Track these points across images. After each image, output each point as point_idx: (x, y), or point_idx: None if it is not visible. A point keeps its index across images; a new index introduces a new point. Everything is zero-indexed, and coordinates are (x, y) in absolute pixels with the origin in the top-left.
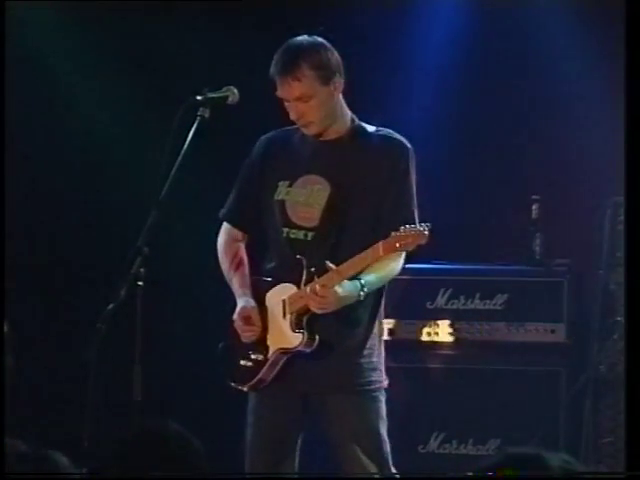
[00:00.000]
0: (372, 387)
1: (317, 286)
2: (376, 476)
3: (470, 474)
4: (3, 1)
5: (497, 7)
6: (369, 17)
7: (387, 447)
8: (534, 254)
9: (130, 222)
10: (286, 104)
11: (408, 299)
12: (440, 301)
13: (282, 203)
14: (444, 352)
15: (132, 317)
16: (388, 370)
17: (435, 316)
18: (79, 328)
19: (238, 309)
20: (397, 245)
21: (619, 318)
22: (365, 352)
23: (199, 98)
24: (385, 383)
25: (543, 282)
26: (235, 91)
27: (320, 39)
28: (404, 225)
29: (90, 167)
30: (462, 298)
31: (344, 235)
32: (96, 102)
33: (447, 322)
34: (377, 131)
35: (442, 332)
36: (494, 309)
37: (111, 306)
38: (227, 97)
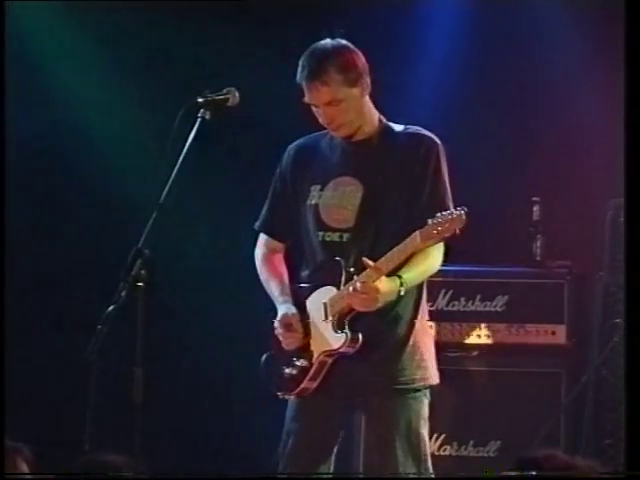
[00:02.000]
0: (415, 385)
1: (357, 284)
2: (378, 476)
3: (470, 475)
4: (3, 1)
5: (499, 8)
6: (368, 18)
7: (426, 447)
8: (535, 256)
9: (131, 224)
10: (315, 109)
11: None
12: (441, 302)
13: (315, 207)
14: (445, 354)
15: (133, 319)
16: None
17: (436, 318)
18: (80, 330)
19: (279, 317)
20: (434, 232)
21: (620, 320)
22: (408, 349)
23: (200, 100)
24: (433, 381)
25: (544, 284)
26: (236, 93)
27: (344, 42)
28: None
29: (91, 169)
30: (463, 300)
31: (380, 234)
32: (97, 104)
33: (448, 324)
34: (405, 129)
35: (443, 334)
36: (495, 311)
37: (112, 308)
38: (228, 99)
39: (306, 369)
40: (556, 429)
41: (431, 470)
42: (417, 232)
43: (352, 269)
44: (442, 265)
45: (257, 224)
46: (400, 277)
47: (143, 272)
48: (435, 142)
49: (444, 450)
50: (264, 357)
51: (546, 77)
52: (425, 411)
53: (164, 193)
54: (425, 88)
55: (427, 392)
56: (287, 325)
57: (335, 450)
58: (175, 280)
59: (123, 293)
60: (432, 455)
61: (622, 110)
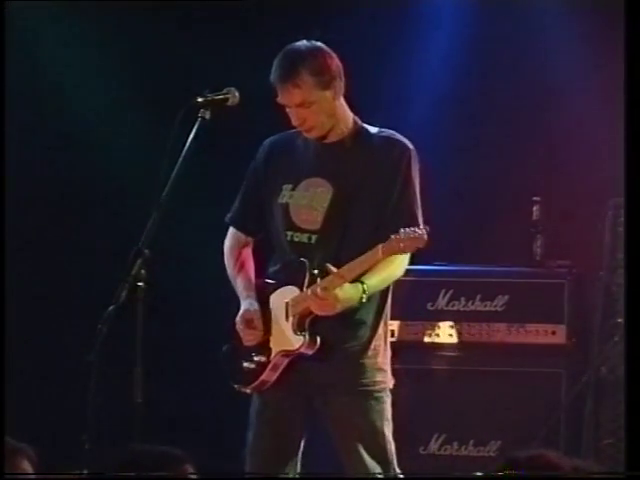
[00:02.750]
0: (376, 388)
1: (318, 289)
2: (378, 476)
3: (470, 475)
4: (3, 1)
5: (498, 8)
6: (368, 18)
7: (392, 448)
8: (535, 255)
9: (131, 223)
10: (287, 110)
11: (409, 300)
12: (441, 302)
13: (286, 206)
14: (445, 353)
15: (133, 318)
16: (391, 371)
17: (436, 317)
18: (80, 329)
19: (241, 312)
20: (396, 248)
21: (620, 320)
22: (369, 353)
23: (200, 100)
24: (390, 384)
25: (544, 283)
26: (236, 93)
27: (319, 44)
28: (406, 227)
29: (91, 168)
30: (463, 299)
31: (347, 237)
32: (96, 103)
33: (448, 323)
34: (379, 132)
35: (443, 333)
36: (495, 310)
37: (112, 307)
38: (227, 99)
39: (264, 365)
40: (556, 429)
41: (398, 470)
42: (379, 246)
43: (316, 271)
44: (442, 265)
45: (228, 217)
46: (363, 283)
47: (143, 272)
48: (407, 147)
49: (444, 450)
50: (224, 348)
51: (546, 77)
52: (388, 412)
53: (164, 193)
54: (425, 88)
55: (389, 393)
56: (248, 321)
57: (300, 448)
58: (175, 280)
59: (123, 293)
60: (432, 455)
61: (622, 110)
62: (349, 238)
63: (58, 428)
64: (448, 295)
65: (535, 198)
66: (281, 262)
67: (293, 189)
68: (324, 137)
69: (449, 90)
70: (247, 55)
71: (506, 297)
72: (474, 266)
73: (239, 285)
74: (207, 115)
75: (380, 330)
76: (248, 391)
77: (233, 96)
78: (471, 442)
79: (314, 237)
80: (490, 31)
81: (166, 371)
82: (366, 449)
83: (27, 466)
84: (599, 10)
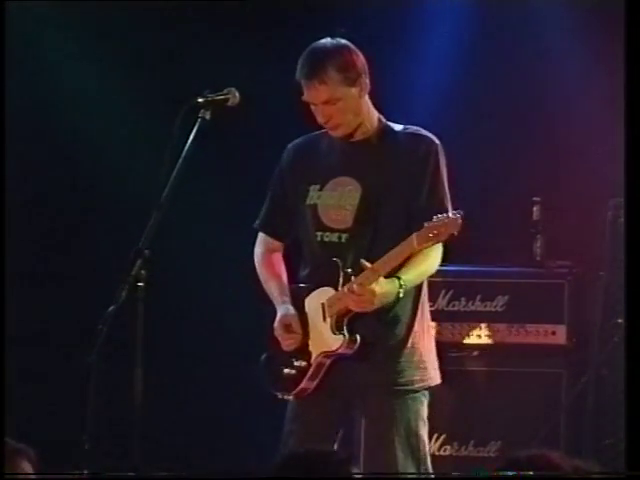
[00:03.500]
0: (414, 387)
1: (354, 285)
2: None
3: (470, 475)
4: (3, 1)
5: (500, 9)
6: (371, 17)
7: (425, 448)
8: (535, 256)
9: (131, 224)
10: (313, 107)
11: None
12: (441, 303)
13: (314, 207)
14: (445, 354)
15: (133, 319)
16: None
17: (436, 318)
18: (80, 330)
19: (278, 317)
20: (430, 235)
21: (620, 320)
22: (407, 351)
23: (200, 100)
24: (430, 381)
25: (544, 284)
26: (236, 93)
27: (344, 41)
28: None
29: (91, 169)
30: (463, 300)
31: (378, 235)
32: (97, 103)
33: (448, 324)
34: (405, 129)
35: (443, 334)
36: (495, 311)
37: (112, 308)
38: (228, 99)
39: (304, 369)
40: (556, 429)
41: (431, 471)
42: (414, 235)
43: (349, 270)
44: (442, 265)
45: (256, 223)
46: (399, 278)
47: (143, 272)
48: (434, 142)
49: (444, 450)
50: (263, 357)
51: (547, 77)
52: (424, 412)
53: (164, 193)
54: (425, 89)
55: (426, 393)
56: (286, 326)
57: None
58: (175, 280)
59: (123, 293)
60: (432, 455)
61: (622, 110)
62: (380, 235)
63: (58, 429)
64: (448, 295)
65: (535, 198)
66: (312, 264)
67: (320, 189)
68: (350, 136)
69: (450, 91)
70: (247, 56)
71: (506, 297)
72: (474, 266)
73: (273, 290)
74: (207, 115)
75: (417, 327)
76: (290, 398)
77: (233, 96)
78: (471, 442)
79: (344, 236)
80: (491, 31)
81: (166, 372)
82: (400, 449)
83: (27, 466)
84: (600, 11)
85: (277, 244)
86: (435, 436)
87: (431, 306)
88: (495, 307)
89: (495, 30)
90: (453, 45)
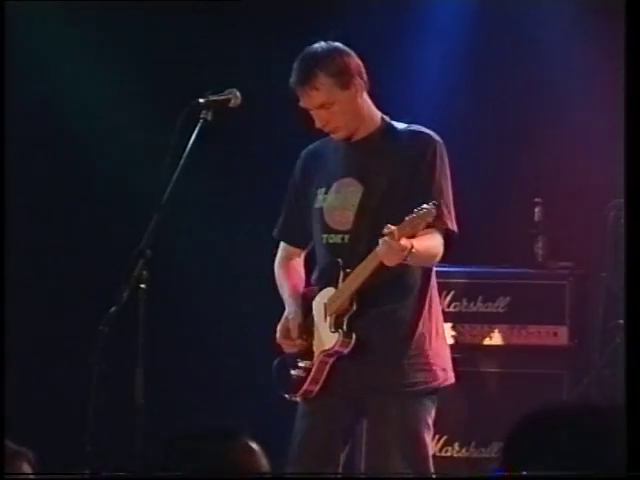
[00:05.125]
0: (416, 389)
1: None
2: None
3: (470, 475)
4: (3, 1)
5: (500, 9)
6: (373, 17)
7: (427, 452)
8: (536, 257)
9: (132, 225)
10: (311, 112)
11: None
12: (442, 304)
13: (320, 210)
14: None
15: (134, 320)
16: None
17: None
18: (82, 331)
19: (283, 320)
20: (408, 228)
21: (621, 321)
22: (411, 352)
23: (202, 101)
24: (437, 384)
25: (545, 285)
26: (237, 94)
27: (336, 44)
28: (438, 218)
29: (92, 169)
30: (464, 301)
31: (378, 234)
32: (98, 105)
33: (449, 325)
34: (407, 127)
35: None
36: (496, 312)
37: (113, 309)
38: (229, 100)
39: (308, 370)
40: None
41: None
42: (395, 228)
43: (349, 270)
44: (443, 266)
45: (275, 232)
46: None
47: (145, 273)
48: (433, 138)
49: (446, 451)
50: (276, 361)
51: (547, 77)
52: (427, 415)
53: (166, 194)
54: (426, 89)
55: (433, 397)
56: (285, 331)
57: (345, 451)
58: (176, 281)
59: (125, 294)
60: (434, 456)
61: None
62: (379, 235)
63: (59, 429)
64: (449, 296)
65: (537, 199)
66: (320, 266)
67: (326, 192)
68: (351, 137)
69: (450, 92)
70: (249, 57)
71: (507, 298)
72: (475, 267)
73: (284, 293)
74: (209, 116)
75: (422, 328)
76: (298, 399)
77: (235, 97)
78: (472, 443)
79: (346, 237)
80: (491, 32)
81: (167, 372)
82: (401, 452)
83: (27, 470)
84: (601, 12)
85: (296, 250)
86: (437, 437)
87: None
88: (496, 308)
89: (496, 31)
90: (455, 47)
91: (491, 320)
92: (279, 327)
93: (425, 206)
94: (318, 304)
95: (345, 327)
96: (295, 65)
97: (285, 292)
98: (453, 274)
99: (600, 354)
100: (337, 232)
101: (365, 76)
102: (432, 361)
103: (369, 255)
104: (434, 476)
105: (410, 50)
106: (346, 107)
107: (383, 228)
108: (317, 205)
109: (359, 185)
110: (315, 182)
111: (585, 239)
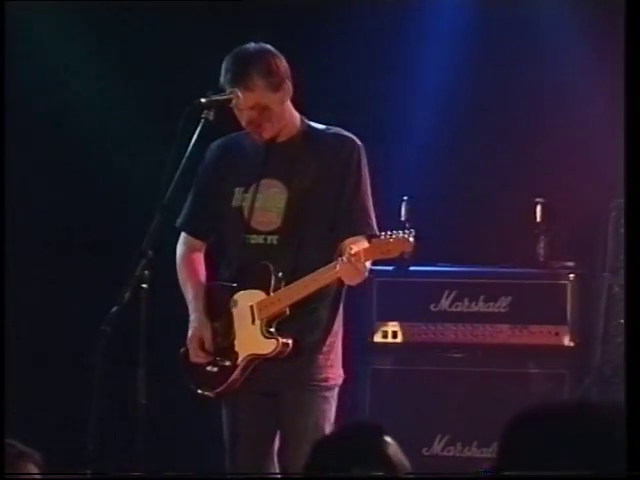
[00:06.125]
0: (328, 384)
1: (351, 257)
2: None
3: (470, 475)
4: (3, 1)
5: (501, 9)
6: (370, 19)
7: None
8: (538, 256)
9: (134, 224)
10: (237, 112)
11: (412, 302)
12: (444, 304)
13: (240, 209)
14: (448, 355)
15: (136, 320)
16: (394, 372)
17: (439, 319)
18: (84, 331)
19: (193, 329)
20: (380, 253)
21: (623, 320)
22: (324, 349)
23: (203, 100)
24: (339, 380)
25: (547, 284)
26: (239, 93)
27: (267, 46)
28: (360, 222)
29: (94, 169)
30: (466, 301)
31: (306, 237)
32: (100, 104)
33: (451, 324)
34: (327, 129)
35: (446, 335)
36: (498, 312)
37: (115, 309)
38: (231, 99)
39: (229, 369)
40: None
41: None
42: (361, 250)
43: (281, 274)
44: (446, 266)
45: (178, 222)
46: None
47: (146, 273)
48: (356, 143)
49: (448, 451)
50: (182, 351)
51: (550, 78)
52: (332, 412)
53: (168, 194)
54: (429, 90)
55: (335, 393)
56: (201, 342)
57: (275, 445)
58: (178, 281)
59: (126, 294)
60: (436, 456)
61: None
62: (308, 236)
63: (61, 429)
64: (451, 296)
65: (538, 199)
66: (237, 265)
67: (246, 191)
68: (274, 138)
69: (453, 92)
70: None
71: (509, 298)
72: (477, 267)
73: (189, 292)
74: (211, 116)
75: (335, 327)
76: (212, 395)
77: (237, 97)
78: (474, 443)
79: (270, 238)
80: (493, 31)
81: (169, 372)
82: (309, 443)
83: (34, 471)
84: (601, 12)
85: (199, 243)
86: (439, 437)
87: (434, 307)
88: (498, 308)
89: (499, 31)
90: (453, 46)
91: (493, 320)
92: (194, 335)
93: (401, 235)
94: (242, 304)
95: (277, 332)
96: (226, 64)
97: (188, 292)
98: (455, 274)
99: (601, 354)
100: (259, 233)
101: (291, 80)
102: (338, 358)
103: (323, 269)
104: (435, 477)
105: (412, 52)
106: (275, 110)
107: (311, 230)
108: (235, 204)
109: (283, 187)
110: (230, 179)
111: (587, 239)
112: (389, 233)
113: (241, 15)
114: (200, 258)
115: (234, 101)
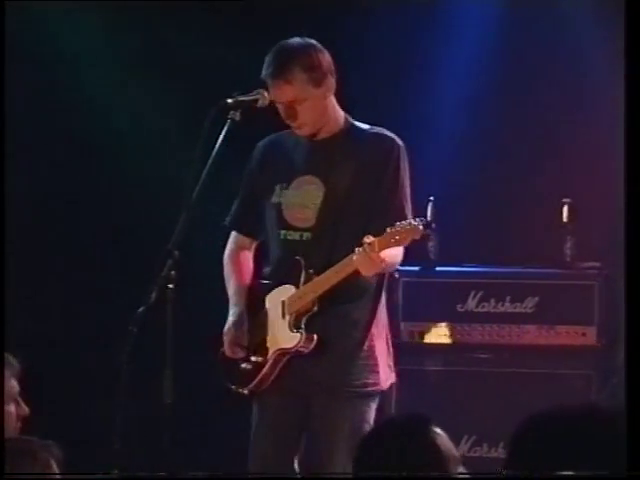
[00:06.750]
0: (366, 390)
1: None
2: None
3: (470, 475)
4: (3, 1)
5: (526, 11)
6: (393, 17)
7: None
8: (565, 257)
9: (161, 225)
10: (278, 106)
11: (438, 302)
12: (471, 304)
13: (278, 205)
14: (474, 355)
15: (163, 320)
16: (420, 373)
17: (465, 319)
18: (111, 331)
19: (229, 324)
20: (392, 241)
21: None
22: (362, 354)
23: (230, 101)
24: (383, 385)
25: (574, 285)
26: (265, 94)
27: (311, 40)
28: (396, 221)
29: (123, 169)
30: (493, 301)
31: (340, 234)
32: (127, 105)
33: (477, 325)
34: (370, 129)
35: (473, 335)
36: (525, 312)
37: (142, 309)
38: (257, 100)
39: (261, 365)
40: None
41: None
42: (375, 240)
43: (312, 270)
44: (472, 267)
45: (227, 220)
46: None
47: (173, 273)
48: (396, 142)
49: (474, 452)
50: (221, 351)
51: (579, 77)
52: (371, 416)
53: (194, 194)
54: (456, 91)
55: (376, 398)
56: (235, 338)
57: (300, 448)
58: (205, 281)
59: (153, 294)
60: (463, 456)
61: None
62: (342, 234)
63: (87, 428)
64: (478, 297)
65: (565, 199)
66: (275, 261)
67: (285, 188)
68: (315, 134)
69: (477, 91)
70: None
71: (536, 299)
72: (504, 267)
73: (230, 289)
74: (237, 116)
75: (374, 330)
76: (246, 392)
77: (263, 97)
78: (501, 444)
79: (306, 235)
80: (513, 31)
81: (196, 372)
82: (347, 453)
83: (52, 464)
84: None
85: (247, 241)
86: (465, 437)
87: (460, 307)
88: (525, 308)
89: (517, 30)
90: (479, 49)
91: (519, 320)
92: (226, 330)
93: (412, 222)
94: (275, 301)
95: (305, 327)
96: (269, 57)
97: (230, 288)
98: (481, 274)
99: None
100: (296, 229)
101: (335, 76)
102: (380, 363)
103: (342, 261)
104: (441, 476)
105: (432, 55)
106: (316, 104)
107: (345, 228)
108: (274, 200)
109: (320, 184)
110: (273, 175)
111: (613, 239)
112: (399, 223)
113: (269, 17)
114: (247, 255)
115: (260, 101)
